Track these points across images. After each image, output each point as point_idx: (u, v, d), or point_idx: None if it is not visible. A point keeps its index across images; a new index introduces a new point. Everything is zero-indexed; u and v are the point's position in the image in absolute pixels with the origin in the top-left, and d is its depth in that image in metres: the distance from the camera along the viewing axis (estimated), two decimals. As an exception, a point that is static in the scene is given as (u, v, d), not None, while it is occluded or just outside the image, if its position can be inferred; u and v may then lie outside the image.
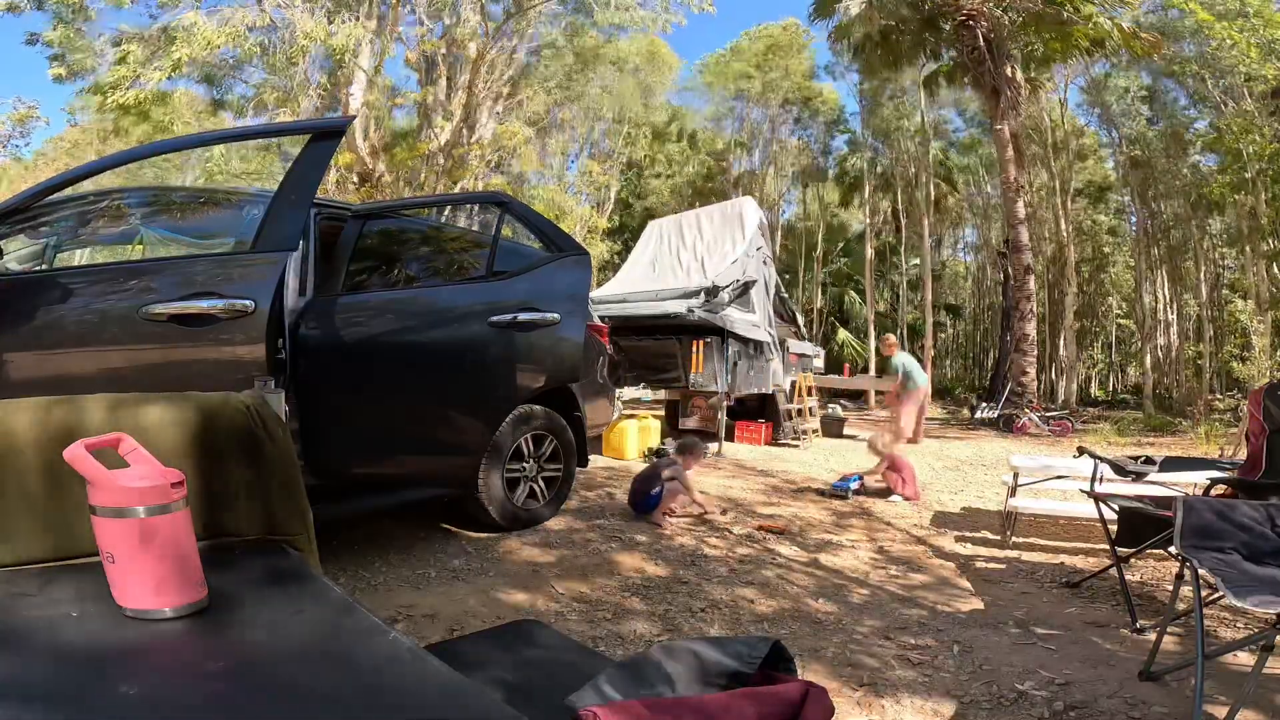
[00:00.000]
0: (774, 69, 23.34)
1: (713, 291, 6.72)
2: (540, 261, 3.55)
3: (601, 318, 5.49)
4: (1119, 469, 3.29)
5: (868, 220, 24.07)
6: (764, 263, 8.08)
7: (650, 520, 3.88)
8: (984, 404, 13.48)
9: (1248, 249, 14.55)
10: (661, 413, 8.77)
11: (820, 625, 2.53)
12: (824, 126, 25.35)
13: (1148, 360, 19.15)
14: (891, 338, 9.58)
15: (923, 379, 8.72)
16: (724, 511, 4.25)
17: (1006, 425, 11.22)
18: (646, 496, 4.00)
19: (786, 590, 2.91)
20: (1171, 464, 3.37)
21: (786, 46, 23.38)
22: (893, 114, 22.25)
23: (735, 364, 7.00)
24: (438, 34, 12.99)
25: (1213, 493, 3.00)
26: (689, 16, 13.10)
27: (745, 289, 7.40)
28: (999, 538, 3.89)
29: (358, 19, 11.44)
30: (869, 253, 22.89)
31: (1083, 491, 3.37)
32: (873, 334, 22.64)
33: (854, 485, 5.02)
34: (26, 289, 2.10)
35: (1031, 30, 13.13)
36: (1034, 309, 13.38)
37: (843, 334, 24.28)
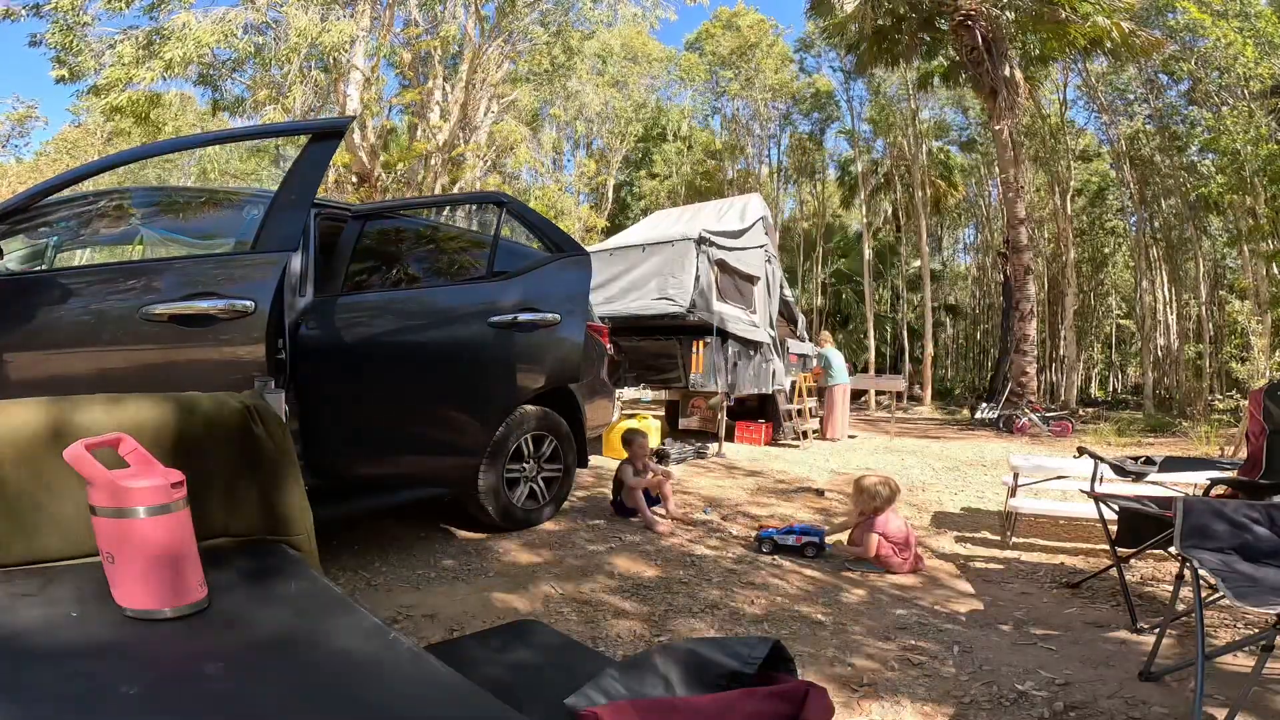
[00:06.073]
0: (745, 68, 23.34)
1: (703, 240, 6.69)
2: (540, 262, 3.54)
3: (601, 318, 5.48)
4: (1119, 469, 3.28)
5: (865, 219, 24.09)
6: (767, 261, 8.07)
7: (640, 522, 3.88)
8: (984, 404, 13.50)
9: (1246, 249, 14.56)
10: (661, 413, 8.78)
11: (819, 625, 2.53)
12: (816, 123, 25.38)
13: (1148, 360, 19.16)
14: (825, 333, 10.86)
15: (842, 377, 9.22)
16: (684, 519, 4.06)
17: (1006, 425, 11.23)
18: (616, 498, 4.08)
19: (784, 590, 2.91)
20: (1171, 464, 3.36)
21: (755, 46, 23.36)
22: (888, 112, 22.27)
23: (735, 364, 6.99)
24: (431, 33, 12.93)
25: (1213, 493, 3.00)
26: (681, 10, 13.16)
27: (746, 278, 7.41)
28: (999, 538, 3.89)
29: (351, 16, 11.39)
30: (867, 252, 22.90)
31: (1083, 492, 3.36)
32: (872, 334, 22.66)
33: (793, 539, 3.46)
34: (26, 289, 2.09)
35: (1029, 29, 13.13)
36: (1034, 309, 13.38)
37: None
